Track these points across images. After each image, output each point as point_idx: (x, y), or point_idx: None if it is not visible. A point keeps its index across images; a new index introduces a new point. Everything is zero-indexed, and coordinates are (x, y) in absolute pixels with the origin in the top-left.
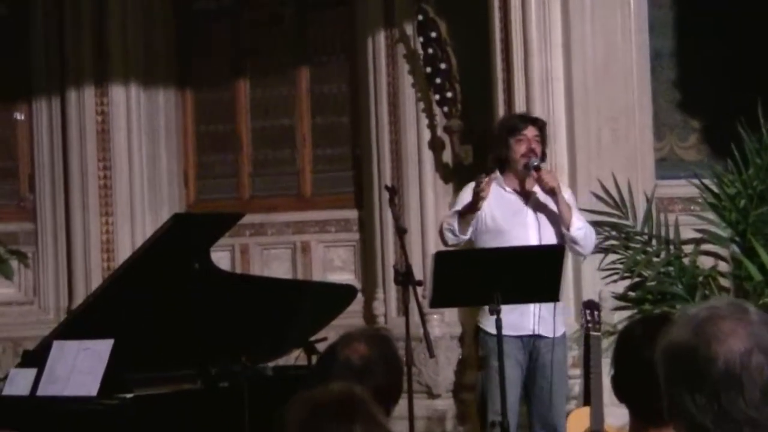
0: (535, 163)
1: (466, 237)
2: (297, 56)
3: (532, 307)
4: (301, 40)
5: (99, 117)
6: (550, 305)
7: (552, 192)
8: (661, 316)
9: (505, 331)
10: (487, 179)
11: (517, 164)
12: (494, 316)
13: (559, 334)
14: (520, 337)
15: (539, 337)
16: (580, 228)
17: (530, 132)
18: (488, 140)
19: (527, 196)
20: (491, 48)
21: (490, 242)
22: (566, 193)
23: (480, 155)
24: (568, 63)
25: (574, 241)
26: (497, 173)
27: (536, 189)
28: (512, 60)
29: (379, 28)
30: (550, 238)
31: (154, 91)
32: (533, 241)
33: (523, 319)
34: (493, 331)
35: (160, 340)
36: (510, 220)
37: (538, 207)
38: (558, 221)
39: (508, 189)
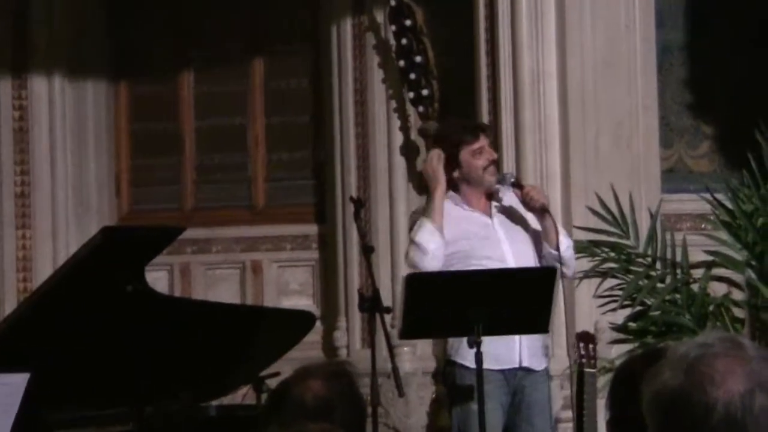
0: (513, 180)
1: (442, 241)
2: (250, 45)
3: (517, 335)
4: (256, 26)
5: (16, 113)
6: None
7: (543, 210)
8: (665, 351)
9: (484, 364)
10: (436, 153)
11: (482, 180)
12: (474, 348)
13: (543, 367)
14: (503, 371)
15: (526, 371)
16: (569, 246)
17: (483, 141)
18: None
19: (489, 211)
20: (475, 39)
21: (454, 267)
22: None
23: None
24: (562, 58)
25: (562, 262)
26: (451, 192)
27: (500, 201)
28: (498, 54)
29: (346, 14)
30: (525, 256)
31: (82, 83)
32: (510, 257)
33: (508, 348)
34: (472, 364)
35: (85, 374)
36: (477, 239)
37: (506, 220)
38: (531, 237)
39: (466, 207)
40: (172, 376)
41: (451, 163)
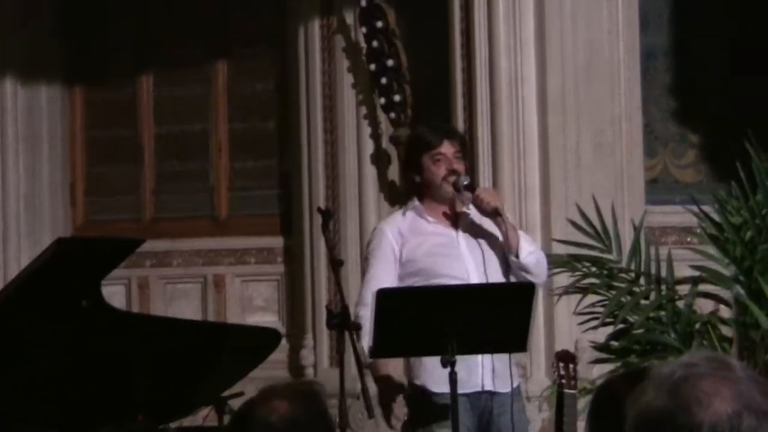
0: (466, 182)
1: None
2: (213, 47)
3: (480, 357)
4: (219, 27)
5: None
6: (501, 353)
7: (495, 213)
8: (648, 371)
9: (445, 387)
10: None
11: (440, 189)
12: (445, 369)
13: (514, 385)
14: (467, 395)
15: (492, 393)
16: (531, 252)
17: (447, 148)
18: (400, 161)
19: (455, 223)
20: (449, 42)
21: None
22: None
23: None
24: (541, 62)
25: (525, 269)
26: (415, 201)
27: (467, 210)
28: (474, 57)
29: (314, 15)
30: (494, 269)
31: (35, 87)
32: (474, 276)
33: (471, 371)
34: (437, 389)
35: (37, 393)
36: (439, 256)
37: (472, 233)
38: (500, 251)
39: (430, 219)
40: (130, 396)
41: (413, 166)
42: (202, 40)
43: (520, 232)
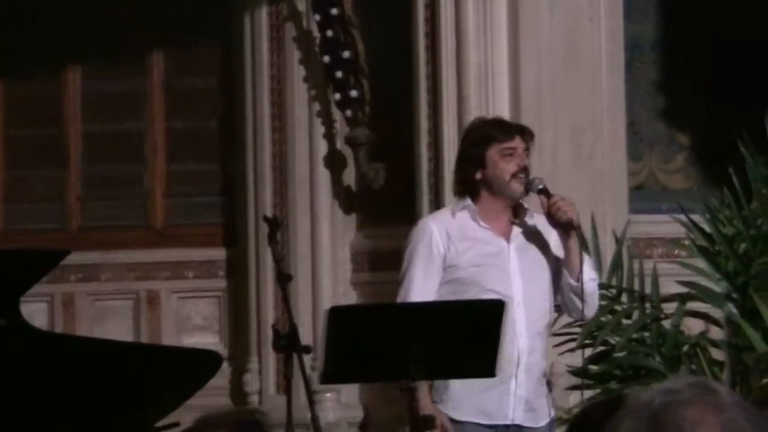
0: (541, 186)
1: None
2: (149, 37)
3: (513, 384)
4: (156, 15)
5: None
6: (533, 378)
7: (569, 226)
8: (626, 398)
9: (470, 416)
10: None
11: (507, 187)
12: (474, 396)
13: (546, 421)
14: (494, 427)
15: (519, 428)
16: (593, 279)
17: (519, 144)
18: (461, 156)
19: (508, 235)
20: (412, 31)
21: (452, 296)
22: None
23: (395, 176)
24: (515, 54)
25: (581, 296)
26: (468, 201)
27: (528, 221)
28: (440, 48)
29: (261, 1)
30: (537, 293)
31: None
32: (517, 296)
33: (500, 400)
34: (463, 418)
35: None
36: (485, 267)
37: (525, 246)
38: (551, 269)
39: (482, 224)
40: (52, 426)
41: (474, 161)
42: (137, 29)
43: (585, 255)
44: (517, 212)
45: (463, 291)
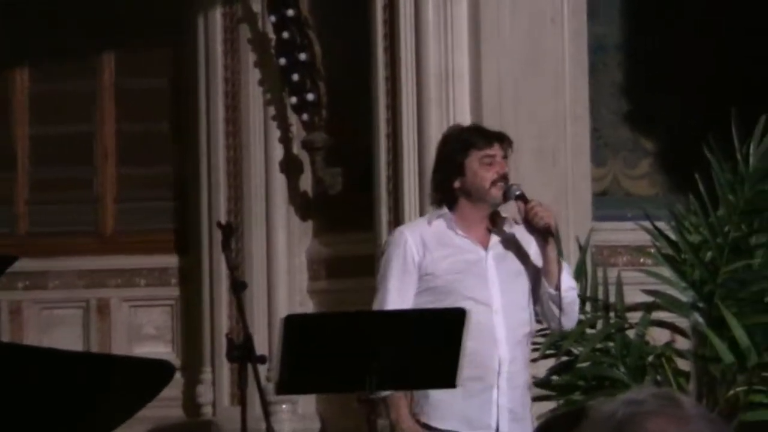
0: (518, 192)
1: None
2: (99, 37)
3: (495, 393)
4: (106, 14)
5: None
6: (515, 387)
7: (546, 232)
8: (588, 410)
9: (452, 424)
10: None
11: (487, 195)
12: (454, 403)
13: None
14: None
15: None
16: (572, 288)
17: (498, 151)
18: (438, 164)
19: (486, 243)
20: (370, 33)
21: (430, 305)
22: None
23: (353, 182)
24: (476, 56)
25: (560, 306)
26: (444, 209)
27: (507, 230)
28: (399, 50)
29: (215, 1)
30: (516, 302)
31: None
32: (496, 304)
33: (483, 409)
34: (443, 426)
35: None
36: (463, 274)
37: (503, 254)
38: (530, 278)
39: (460, 232)
40: None
41: (452, 168)
42: (86, 28)
43: (564, 263)
44: (496, 221)
45: (441, 300)
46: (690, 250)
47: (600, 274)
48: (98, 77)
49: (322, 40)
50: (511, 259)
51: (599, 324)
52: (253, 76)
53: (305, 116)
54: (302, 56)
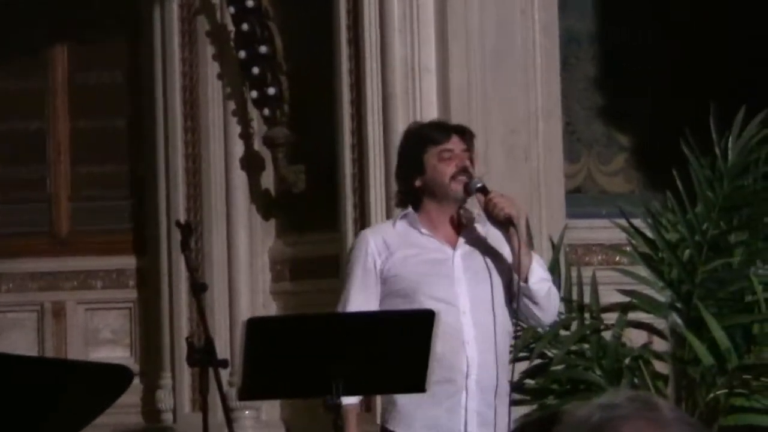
0: (479, 185)
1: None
2: (52, 30)
3: (463, 397)
4: (59, 6)
5: None
6: (486, 390)
7: (508, 222)
8: (562, 414)
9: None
10: None
11: (447, 190)
12: (422, 411)
13: None
14: None
15: None
16: (544, 279)
17: (456, 144)
18: (399, 164)
19: (454, 242)
20: (334, 25)
21: (396, 307)
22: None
23: (317, 179)
24: (443, 49)
25: (533, 299)
26: (409, 209)
27: (479, 229)
28: (363, 42)
29: None
30: (485, 301)
31: None
32: (463, 304)
33: (452, 413)
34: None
35: None
36: (427, 275)
37: (472, 252)
38: (504, 278)
39: (424, 231)
40: None
41: (412, 166)
42: (39, 22)
43: (535, 255)
44: (464, 219)
45: (408, 302)
46: (667, 248)
47: (574, 273)
48: (51, 73)
49: (283, 32)
50: (481, 257)
51: (574, 325)
52: (211, 69)
53: (266, 111)
54: (263, 49)
